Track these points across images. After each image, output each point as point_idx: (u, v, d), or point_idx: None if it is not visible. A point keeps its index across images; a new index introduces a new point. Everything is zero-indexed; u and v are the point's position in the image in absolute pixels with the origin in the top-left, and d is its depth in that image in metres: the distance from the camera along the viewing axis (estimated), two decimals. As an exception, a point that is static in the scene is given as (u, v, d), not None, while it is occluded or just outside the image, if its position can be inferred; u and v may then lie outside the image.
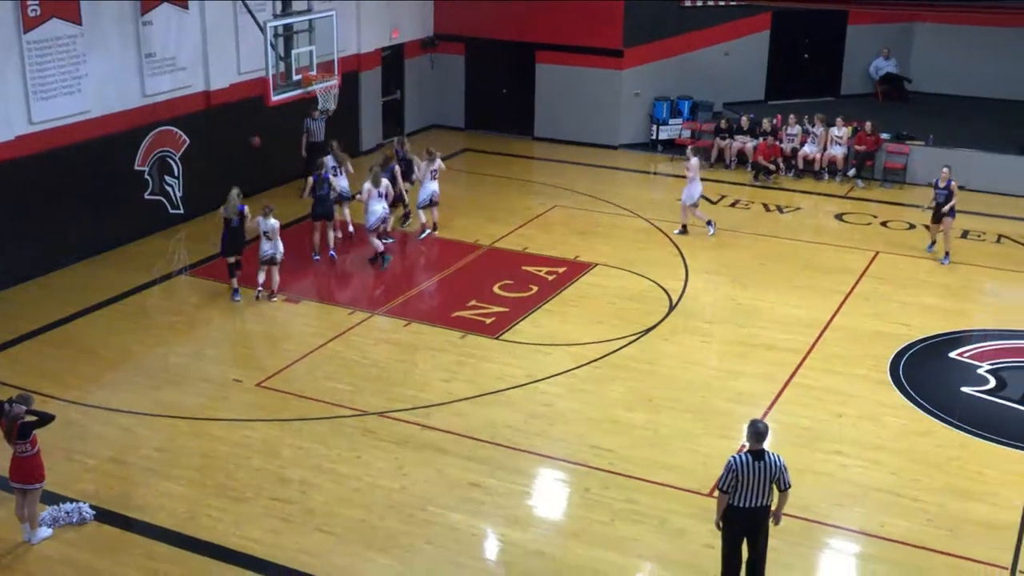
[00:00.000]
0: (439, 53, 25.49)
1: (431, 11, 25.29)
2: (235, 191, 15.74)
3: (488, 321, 15.20)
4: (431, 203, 18.28)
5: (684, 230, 18.53)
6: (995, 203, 20.45)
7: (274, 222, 15.57)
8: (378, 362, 14.03)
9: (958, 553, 10.22)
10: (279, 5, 20.14)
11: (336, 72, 19.54)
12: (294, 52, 19.02)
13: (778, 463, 8.93)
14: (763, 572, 9.25)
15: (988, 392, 13.43)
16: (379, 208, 16.84)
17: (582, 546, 10.29)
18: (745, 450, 9.04)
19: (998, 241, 18.74)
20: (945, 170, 17.35)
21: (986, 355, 14.39)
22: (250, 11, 18.66)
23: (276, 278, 15.73)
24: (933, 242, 17.69)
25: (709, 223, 18.63)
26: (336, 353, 14.24)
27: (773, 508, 9.10)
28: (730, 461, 8.97)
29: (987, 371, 13.94)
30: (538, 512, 11.01)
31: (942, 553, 10.22)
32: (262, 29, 17.91)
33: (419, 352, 14.34)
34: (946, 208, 17.16)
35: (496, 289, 16.28)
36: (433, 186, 18.19)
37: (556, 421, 12.58)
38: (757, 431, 8.99)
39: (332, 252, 17.44)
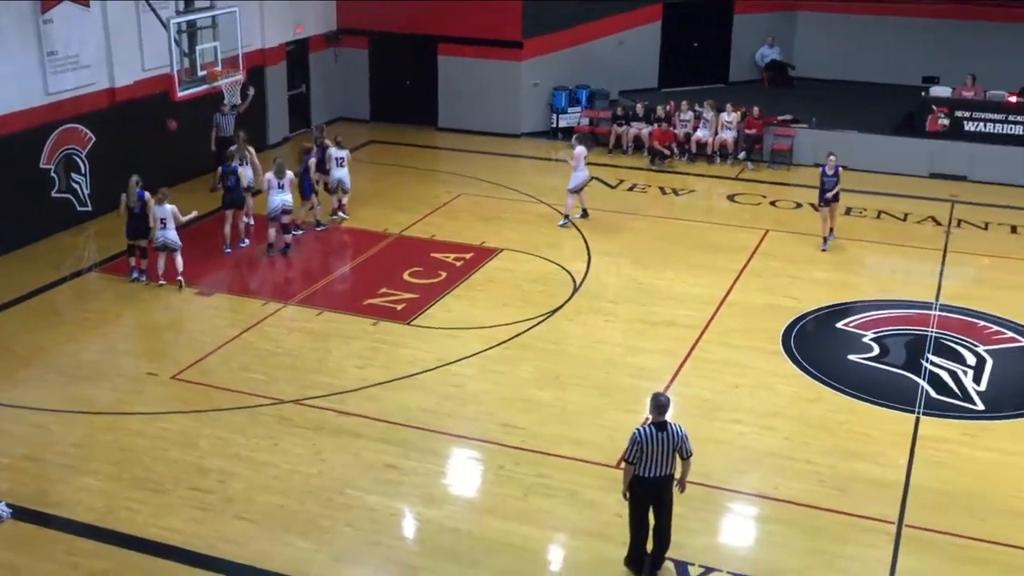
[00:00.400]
0: (343, 47, 25.19)
1: (333, 7, 24.95)
2: (134, 178, 15.53)
3: (399, 307, 15.13)
4: (338, 190, 18.21)
5: (585, 214, 18.62)
6: (874, 181, 20.99)
7: (169, 207, 15.37)
8: (292, 351, 13.86)
9: (849, 511, 10.51)
10: (181, 3, 19.70)
11: (241, 67, 19.24)
12: (198, 48, 18.69)
13: (679, 433, 9.08)
14: (669, 538, 9.41)
15: (873, 359, 13.80)
16: (277, 199, 16.58)
17: (497, 520, 10.33)
18: (648, 422, 9.17)
19: (878, 217, 19.27)
20: (832, 158, 17.41)
21: (870, 324, 14.79)
22: (153, 8, 18.24)
23: (179, 264, 15.50)
24: (826, 239, 17.57)
25: (567, 217, 18.41)
26: (250, 344, 14.03)
27: (677, 476, 9.25)
28: (635, 433, 9.08)
29: (871, 339, 14.33)
30: (453, 490, 11.03)
31: (834, 511, 10.50)
32: (165, 26, 17.53)
33: (332, 340, 14.21)
34: (830, 195, 17.28)
35: (406, 276, 16.21)
36: (339, 173, 18.13)
37: (468, 402, 12.60)
38: (659, 403, 9.13)
39: (244, 241, 17.24)
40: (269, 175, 16.67)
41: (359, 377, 13.11)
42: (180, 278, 15.48)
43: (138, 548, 9.84)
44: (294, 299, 15.46)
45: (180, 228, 15.49)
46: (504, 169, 21.99)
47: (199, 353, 13.70)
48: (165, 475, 10.99)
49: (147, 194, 15.47)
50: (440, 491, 10.92)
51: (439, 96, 24.78)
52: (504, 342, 14.08)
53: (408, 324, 14.64)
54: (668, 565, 9.58)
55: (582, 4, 24.30)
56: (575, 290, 15.79)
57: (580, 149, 18.48)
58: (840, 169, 17.35)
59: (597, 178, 21.25)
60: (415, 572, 9.62)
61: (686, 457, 9.17)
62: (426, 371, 13.28)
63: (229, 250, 16.96)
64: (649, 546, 9.44)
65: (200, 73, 18.48)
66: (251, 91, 19.93)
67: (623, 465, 9.35)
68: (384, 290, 15.71)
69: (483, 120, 24.33)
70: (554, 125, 24.34)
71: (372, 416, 12.18)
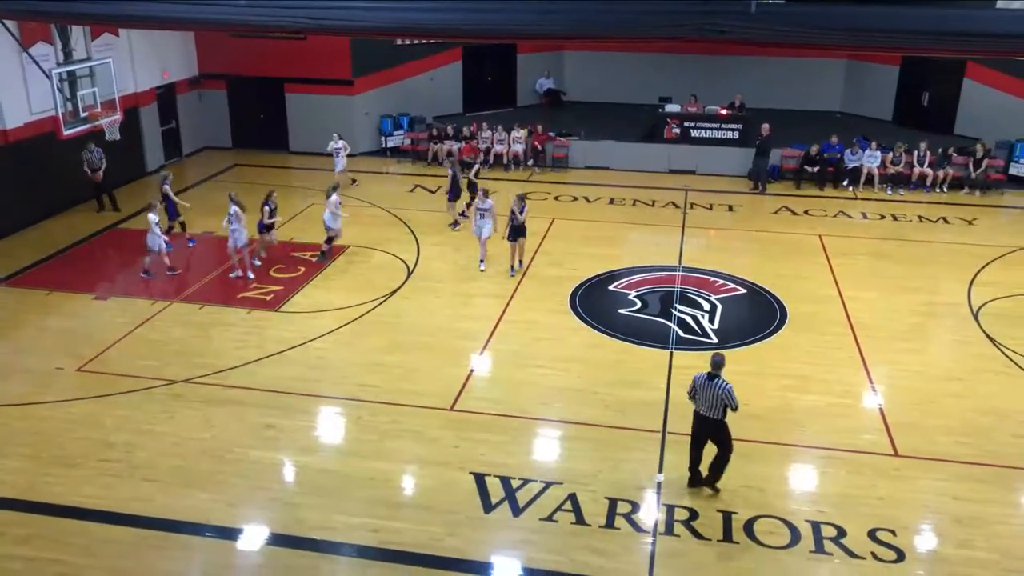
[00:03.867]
0: (205, 89, 24.04)
1: (194, 55, 23.75)
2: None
3: (268, 298, 14.63)
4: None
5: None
6: (629, 177, 21.74)
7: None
8: (180, 340, 13.20)
9: (628, 426, 10.92)
10: (62, 54, 18.30)
11: (118, 108, 18.13)
12: (80, 93, 17.50)
13: (724, 387, 9.12)
14: (722, 470, 9.53)
15: (637, 312, 14.32)
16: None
17: (359, 460, 10.21)
18: (706, 372, 9.27)
19: (634, 204, 19.96)
20: (515, 199, 15.26)
21: (633, 285, 15.32)
22: (35, 61, 16.87)
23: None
24: (513, 266, 15.50)
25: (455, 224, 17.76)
26: (143, 337, 13.27)
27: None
28: (696, 376, 9.27)
29: (635, 296, 14.86)
30: (323, 440, 10.81)
31: (618, 428, 10.89)
32: (48, 76, 16.29)
33: (213, 328, 13.61)
34: (520, 220, 15.13)
35: (272, 272, 15.67)
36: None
37: (329, 369, 12.34)
38: (714, 361, 9.21)
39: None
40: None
41: (238, 356, 12.63)
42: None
43: (59, 514, 9.22)
44: (178, 298, 14.71)
45: None
46: (345, 182, 21.54)
47: (100, 348, 12.86)
48: (76, 452, 10.30)
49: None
50: (312, 442, 10.69)
51: (288, 125, 24.05)
52: (355, 320, 13.86)
53: (276, 311, 14.19)
54: (494, 480, 9.73)
55: (398, 49, 24.08)
56: (409, 274, 15.68)
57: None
58: (526, 209, 15.22)
59: (420, 185, 21.20)
60: (296, 508, 9.40)
61: (734, 409, 9.22)
62: (293, 347, 12.92)
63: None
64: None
65: (83, 115, 17.31)
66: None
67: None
68: (254, 285, 15.15)
69: (325, 143, 23.61)
70: (383, 145, 24.04)
71: (251, 387, 11.78)
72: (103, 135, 18.14)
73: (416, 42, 24.23)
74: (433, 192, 20.67)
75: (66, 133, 16.88)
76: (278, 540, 8.96)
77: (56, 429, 10.76)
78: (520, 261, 15.69)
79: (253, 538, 9.01)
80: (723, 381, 9.17)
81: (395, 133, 24.00)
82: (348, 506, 9.41)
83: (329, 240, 16.22)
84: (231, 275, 15.35)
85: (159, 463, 10.09)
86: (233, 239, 15.10)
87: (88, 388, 11.77)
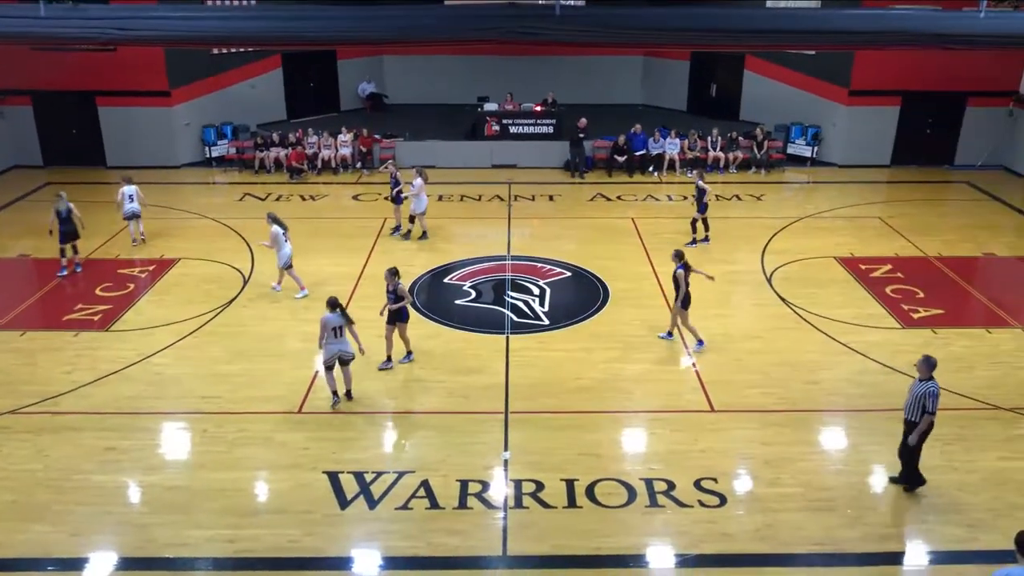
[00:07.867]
0: (8, 105, 21.97)
1: (-8, 70, 21.69)
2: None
3: (96, 318, 13.64)
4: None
5: (424, 235, 17.15)
6: (455, 175, 21.87)
7: None
8: (2, 369, 12.06)
9: (472, 410, 11.05)
10: None
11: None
12: None
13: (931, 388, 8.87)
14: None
15: (471, 301, 14.48)
16: None
17: (208, 473, 9.76)
18: (929, 378, 8.86)
19: (461, 200, 20.12)
20: (387, 273, 11.99)
21: (466, 276, 15.47)
22: None
23: None
24: (399, 356, 12.24)
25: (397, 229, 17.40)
26: (-41, 370, 12.04)
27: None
28: (938, 390, 8.83)
29: (469, 287, 15.02)
30: (168, 457, 10.22)
31: (461, 413, 11.00)
32: None
33: (39, 354, 12.53)
34: (395, 306, 11.91)
35: (98, 292, 14.63)
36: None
37: (170, 384, 11.69)
38: (932, 363, 8.89)
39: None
40: None
41: (69, 381, 11.71)
42: None
43: None
44: (-4, 325, 13.44)
45: None
46: (170, 194, 20.38)
47: (-92, 386, 11.56)
48: None
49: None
50: (157, 460, 10.09)
51: (104, 139, 22.42)
52: (193, 332, 13.19)
53: (107, 331, 13.26)
54: (348, 477, 9.58)
55: (215, 57, 22.99)
56: (245, 283, 15.09)
57: (419, 180, 16.83)
58: (402, 286, 11.91)
59: (249, 194, 20.40)
60: (146, 528, 8.87)
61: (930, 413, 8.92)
62: (129, 366, 12.13)
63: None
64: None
65: None
66: None
67: (927, 418, 8.90)
68: (80, 306, 14.08)
69: (145, 156, 22.38)
70: (207, 155, 22.92)
71: (87, 411, 10.97)
72: None
73: (234, 50, 23.23)
74: (263, 199, 19.94)
75: None
76: (129, 564, 8.43)
77: None
78: (407, 351, 12.31)
79: (102, 565, 8.42)
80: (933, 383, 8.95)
81: (219, 143, 22.95)
82: (201, 519, 8.98)
83: None
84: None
85: (-11, 500, 9.22)
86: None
87: (-101, 430, 10.56)
